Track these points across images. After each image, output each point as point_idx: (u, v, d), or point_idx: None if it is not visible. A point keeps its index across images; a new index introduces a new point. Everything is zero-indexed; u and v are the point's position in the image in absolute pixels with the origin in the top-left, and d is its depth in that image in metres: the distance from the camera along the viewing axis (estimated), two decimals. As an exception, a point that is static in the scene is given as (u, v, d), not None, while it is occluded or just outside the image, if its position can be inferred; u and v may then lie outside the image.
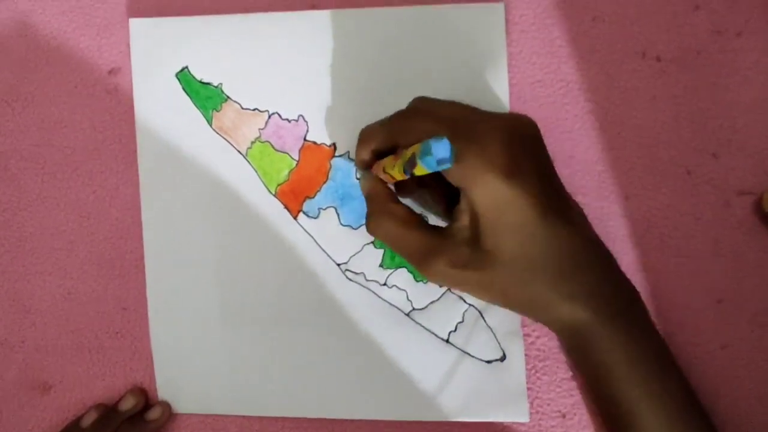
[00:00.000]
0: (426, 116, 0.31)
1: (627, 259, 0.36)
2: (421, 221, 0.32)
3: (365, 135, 0.34)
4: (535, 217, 0.29)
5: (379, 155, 0.33)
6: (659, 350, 0.33)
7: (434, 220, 0.37)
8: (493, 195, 0.29)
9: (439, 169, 0.26)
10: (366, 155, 0.34)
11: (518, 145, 0.30)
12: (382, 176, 0.33)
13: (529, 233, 0.29)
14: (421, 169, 0.26)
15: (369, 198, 0.34)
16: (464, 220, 0.30)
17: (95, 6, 0.39)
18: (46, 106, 0.40)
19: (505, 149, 0.29)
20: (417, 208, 0.37)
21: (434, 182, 0.35)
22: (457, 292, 0.37)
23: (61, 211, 0.40)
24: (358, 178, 0.38)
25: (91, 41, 0.39)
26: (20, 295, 0.40)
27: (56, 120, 0.40)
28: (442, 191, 0.35)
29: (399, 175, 0.30)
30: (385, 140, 0.32)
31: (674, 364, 0.33)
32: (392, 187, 0.34)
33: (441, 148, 0.25)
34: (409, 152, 0.27)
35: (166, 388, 0.39)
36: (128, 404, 0.38)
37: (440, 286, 0.37)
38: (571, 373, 0.37)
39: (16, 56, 0.40)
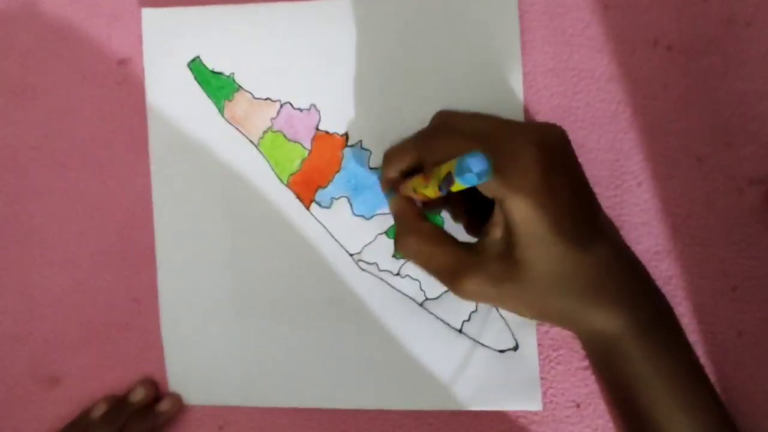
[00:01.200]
0: (453, 133, 0.31)
1: (640, 248, 0.36)
2: (451, 238, 0.32)
3: (391, 156, 0.34)
4: (568, 231, 0.29)
5: (405, 174, 0.34)
6: (691, 363, 0.32)
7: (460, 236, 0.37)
8: (526, 209, 0.29)
9: (479, 183, 0.26)
10: (393, 175, 0.34)
11: (550, 158, 0.30)
12: (412, 195, 0.33)
13: (561, 247, 0.29)
14: (458, 186, 0.26)
15: (398, 217, 0.34)
16: (497, 233, 0.30)
17: (104, -4, 0.39)
18: (54, 97, 0.39)
19: (538, 164, 0.29)
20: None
21: (458, 199, 0.35)
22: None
23: (70, 202, 0.39)
24: (371, 168, 0.37)
25: (100, 31, 0.39)
26: (29, 287, 0.39)
27: (65, 111, 0.39)
28: (466, 207, 0.35)
29: (433, 194, 0.30)
30: (414, 160, 0.32)
31: (706, 378, 0.32)
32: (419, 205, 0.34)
33: (478, 163, 0.25)
34: (444, 170, 0.27)
35: (176, 380, 0.38)
36: (138, 395, 0.37)
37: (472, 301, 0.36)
38: (586, 363, 0.37)
39: (23, 46, 0.40)
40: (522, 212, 0.29)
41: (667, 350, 0.31)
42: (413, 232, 0.32)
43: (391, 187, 0.34)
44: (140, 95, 0.39)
